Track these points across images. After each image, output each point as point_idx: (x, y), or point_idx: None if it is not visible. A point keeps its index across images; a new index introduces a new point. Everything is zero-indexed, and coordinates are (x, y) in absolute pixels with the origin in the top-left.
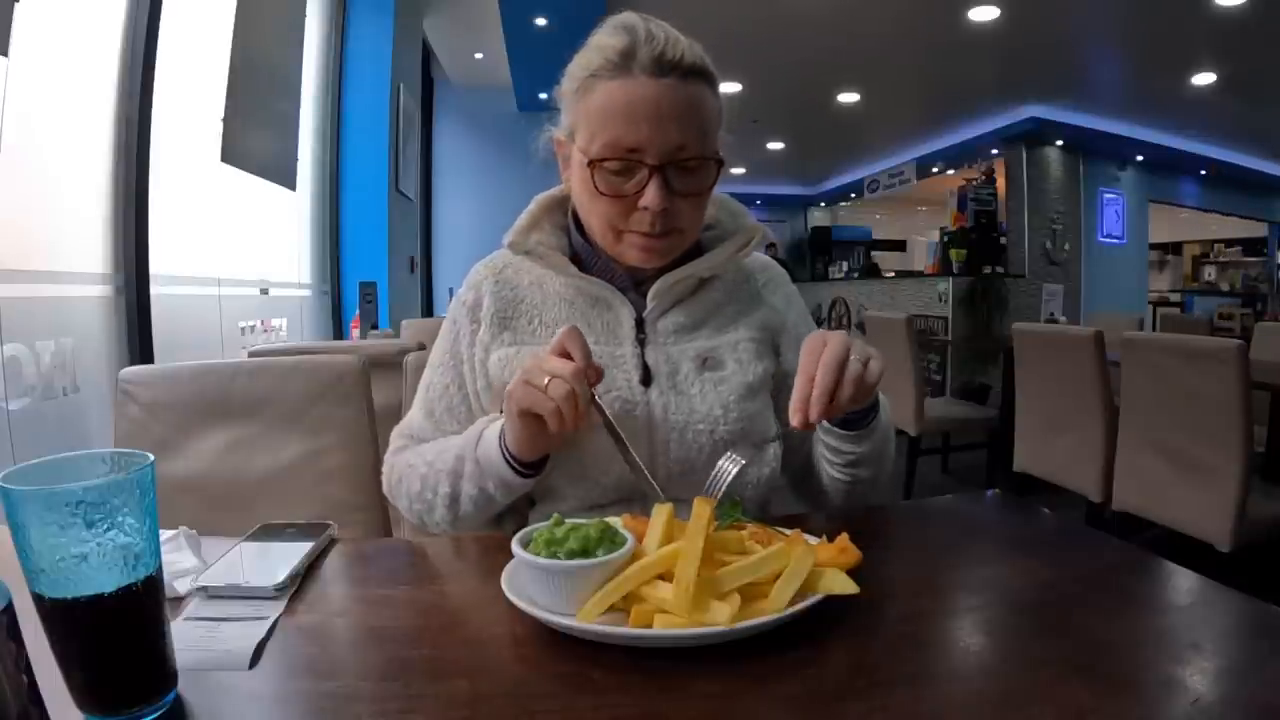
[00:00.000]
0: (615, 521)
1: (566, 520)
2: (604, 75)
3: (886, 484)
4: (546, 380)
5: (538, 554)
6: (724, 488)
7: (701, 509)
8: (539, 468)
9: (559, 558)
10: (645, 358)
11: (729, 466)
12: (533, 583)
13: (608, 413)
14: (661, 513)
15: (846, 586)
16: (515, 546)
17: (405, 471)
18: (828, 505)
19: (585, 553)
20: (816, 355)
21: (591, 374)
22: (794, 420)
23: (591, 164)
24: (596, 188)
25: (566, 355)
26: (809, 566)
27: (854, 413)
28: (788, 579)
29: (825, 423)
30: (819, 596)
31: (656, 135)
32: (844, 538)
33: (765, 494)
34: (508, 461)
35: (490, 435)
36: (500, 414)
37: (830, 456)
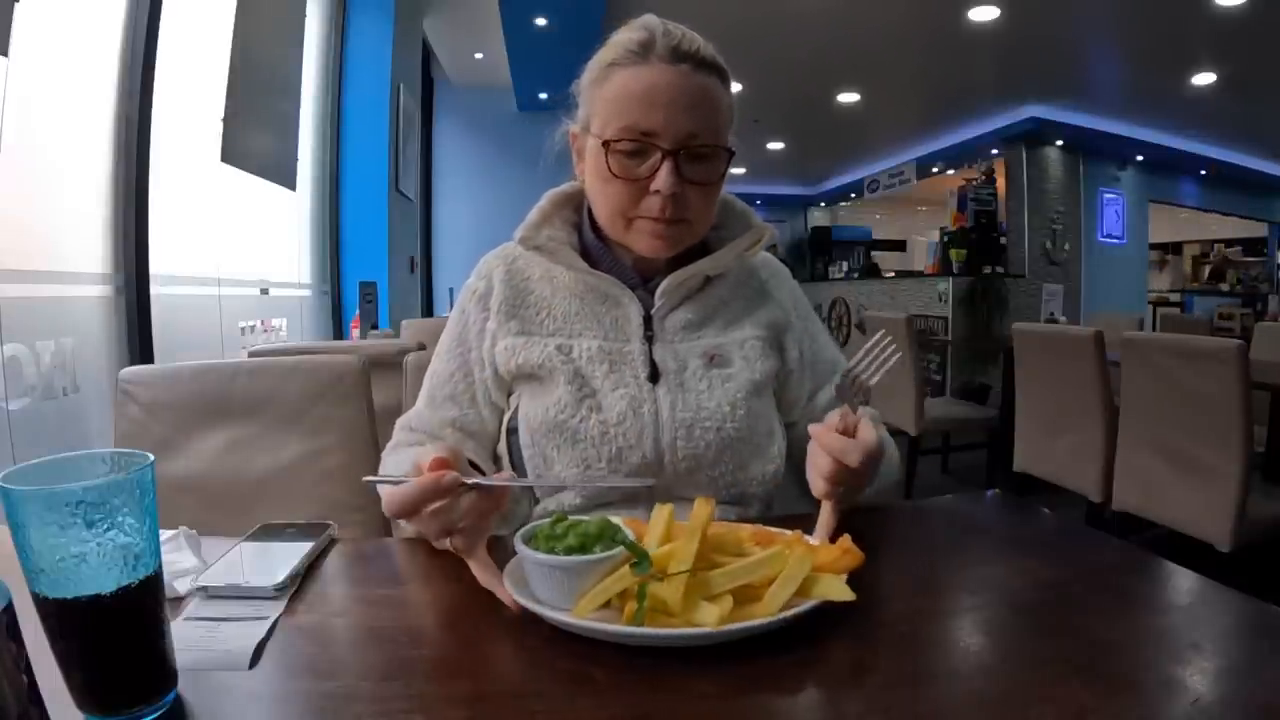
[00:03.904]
0: (618, 520)
1: (569, 517)
2: (622, 64)
3: (895, 486)
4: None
5: (538, 549)
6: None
7: (701, 509)
8: None
9: (558, 553)
10: (653, 355)
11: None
12: (533, 578)
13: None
14: (662, 512)
15: (843, 594)
16: (517, 543)
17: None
18: None
19: (584, 549)
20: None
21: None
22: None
23: (606, 145)
24: (610, 170)
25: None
26: (805, 571)
27: None
28: (783, 583)
29: None
30: (813, 603)
31: (671, 120)
32: (846, 539)
33: (769, 491)
34: None
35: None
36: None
37: None
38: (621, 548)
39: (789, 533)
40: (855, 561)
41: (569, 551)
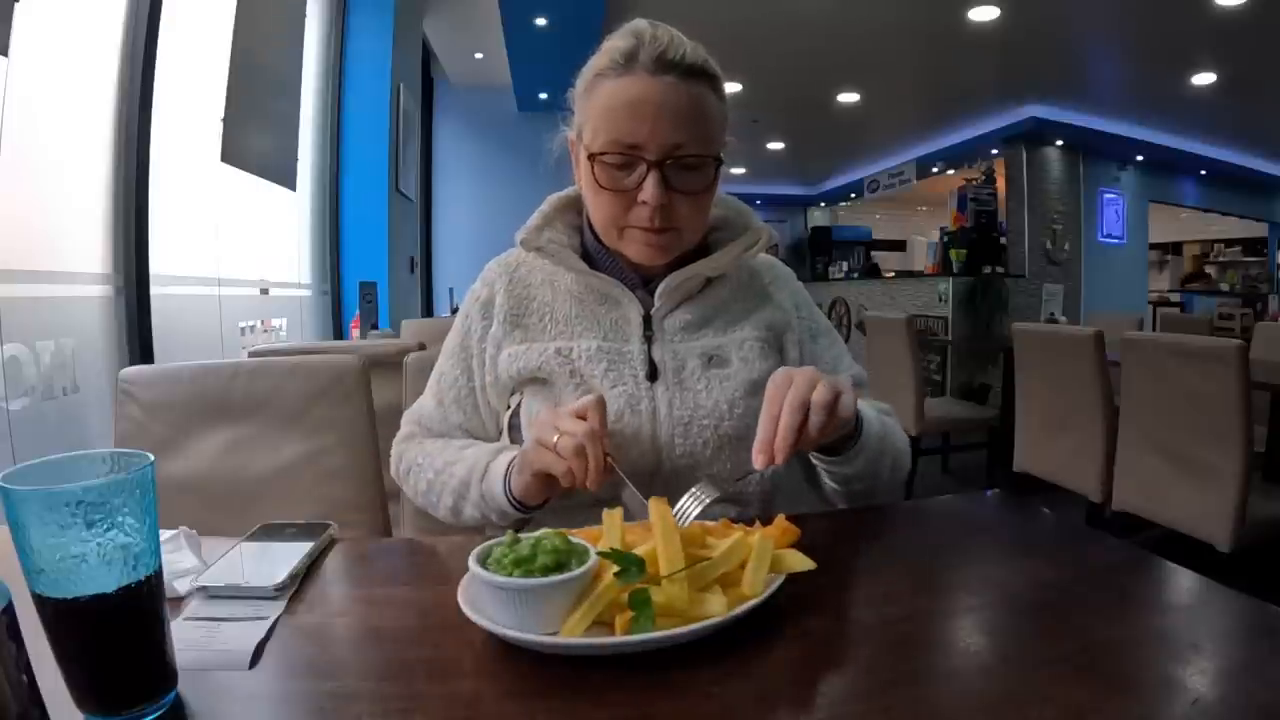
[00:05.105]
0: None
1: (521, 536)
2: (608, 74)
3: (895, 485)
4: (556, 438)
5: (508, 574)
6: (690, 521)
7: (664, 508)
8: (542, 505)
9: (534, 575)
10: (652, 354)
11: (692, 505)
12: (502, 604)
13: (625, 477)
14: (613, 517)
15: (804, 564)
16: (481, 570)
17: (414, 466)
18: (835, 502)
19: (562, 567)
20: (781, 395)
21: (607, 442)
22: (757, 462)
23: (592, 158)
24: (598, 182)
25: (584, 418)
26: (770, 550)
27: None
28: (758, 563)
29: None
30: (783, 576)
31: (655, 132)
32: (781, 518)
33: (768, 490)
34: (510, 500)
35: (496, 471)
36: (507, 444)
37: (822, 473)
38: (593, 561)
39: (715, 523)
40: (795, 536)
41: (545, 571)
